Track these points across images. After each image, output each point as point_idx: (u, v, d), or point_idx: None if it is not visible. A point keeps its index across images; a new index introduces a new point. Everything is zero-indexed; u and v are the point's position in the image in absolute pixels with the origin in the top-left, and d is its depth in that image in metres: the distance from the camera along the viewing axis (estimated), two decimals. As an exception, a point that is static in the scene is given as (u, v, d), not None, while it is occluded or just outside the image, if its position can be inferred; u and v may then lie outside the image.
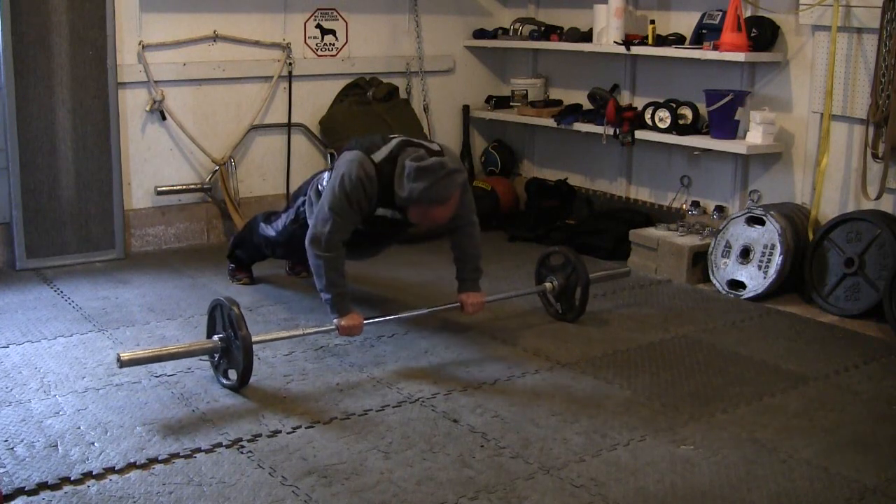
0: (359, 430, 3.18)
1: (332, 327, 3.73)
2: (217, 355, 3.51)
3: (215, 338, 3.48)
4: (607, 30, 5.54)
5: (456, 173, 3.62)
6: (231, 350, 3.44)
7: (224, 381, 3.50)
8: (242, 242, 4.72)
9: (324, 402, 3.40)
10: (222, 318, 3.48)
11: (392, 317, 4.01)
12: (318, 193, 3.90)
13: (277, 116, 5.81)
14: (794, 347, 4.06)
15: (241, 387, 3.45)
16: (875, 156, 4.47)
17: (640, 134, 5.41)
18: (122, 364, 3.24)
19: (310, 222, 3.87)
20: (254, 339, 3.42)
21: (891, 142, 4.36)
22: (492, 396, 3.48)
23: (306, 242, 3.73)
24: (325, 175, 3.94)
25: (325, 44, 5.91)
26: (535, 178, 6.31)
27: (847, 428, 3.27)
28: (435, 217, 3.70)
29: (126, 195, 5.30)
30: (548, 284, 4.31)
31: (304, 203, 4.08)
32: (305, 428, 3.19)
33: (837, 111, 4.69)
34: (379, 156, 3.69)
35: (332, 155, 5.89)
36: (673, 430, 3.21)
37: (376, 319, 3.89)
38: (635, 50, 5.41)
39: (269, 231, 4.39)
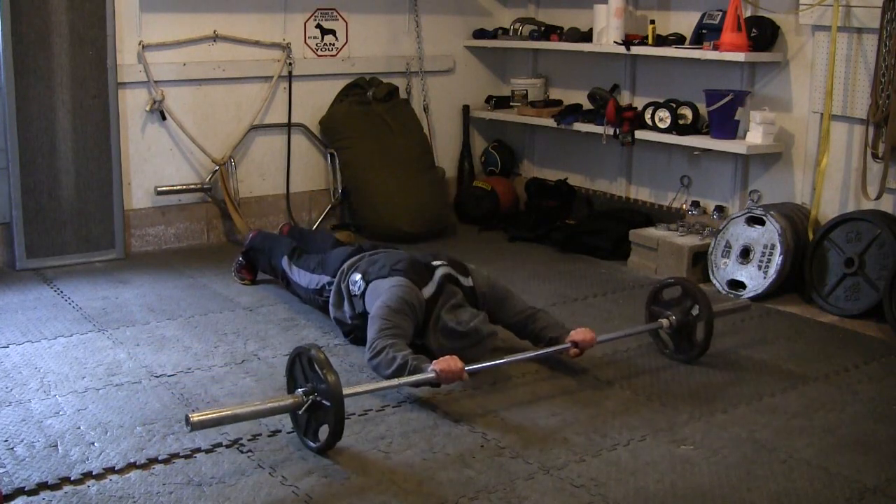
0: (359, 430, 3.18)
1: (431, 374, 3.27)
2: (301, 412, 2.99)
3: (299, 392, 2.98)
4: (607, 30, 5.54)
5: (487, 339, 3.57)
6: (319, 405, 2.95)
7: (312, 445, 3.00)
8: (259, 252, 4.73)
9: (324, 402, 3.39)
10: (305, 367, 3.01)
11: (494, 363, 3.51)
12: (349, 291, 3.87)
13: (277, 116, 5.81)
14: (794, 347, 4.06)
15: (330, 447, 2.98)
16: (875, 156, 4.47)
17: (640, 134, 5.41)
18: (193, 427, 2.78)
19: (332, 311, 4.00)
20: (345, 391, 2.95)
21: (891, 142, 4.37)
22: (492, 396, 3.48)
23: (368, 363, 3.51)
24: (358, 278, 3.83)
25: (325, 44, 5.91)
26: (535, 178, 6.32)
27: (847, 428, 3.27)
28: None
29: (126, 195, 5.30)
30: (664, 321, 3.82)
31: (331, 283, 4.06)
32: (305, 428, 3.19)
33: (837, 111, 4.69)
34: (427, 292, 3.67)
35: (332, 155, 5.90)
36: (673, 430, 3.21)
37: (478, 367, 3.42)
38: (635, 50, 5.41)
39: (292, 275, 4.39)
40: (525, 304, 3.90)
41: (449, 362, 3.28)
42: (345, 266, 4.02)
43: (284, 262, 4.46)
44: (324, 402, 2.91)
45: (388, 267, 3.79)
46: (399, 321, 3.55)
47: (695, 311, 3.78)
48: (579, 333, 3.64)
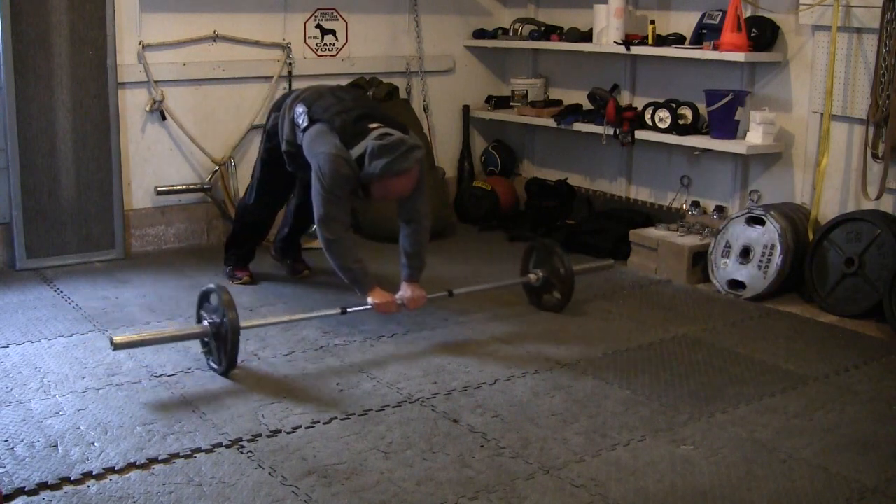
0: (359, 430, 3.18)
1: (368, 306, 3.94)
2: (207, 340, 3.67)
3: (205, 323, 3.63)
4: (607, 30, 5.54)
5: (416, 149, 3.87)
6: (220, 335, 3.57)
7: (214, 366, 3.65)
8: (234, 237, 4.86)
9: (324, 403, 3.40)
10: (212, 304, 3.66)
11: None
12: (293, 122, 4.13)
13: (277, 116, 5.81)
14: (794, 347, 4.06)
15: (227, 371, 3.60)
16: (875, 156, 4.47)
17: (640, 134, 5.41)
18: (116, 347, 3.45)
19: (281, 135, 4.23)
20: (242, 324, 3.57)
21: (891, 142, 4.36)
22: (492, 396, 3.48)
23: (317, 222, 3.93)
24: (301, 110, 4.08)
25: (325, 44, 5.91)
26: (535, 178, 6.32)
27: (847, 428, 3.27)
28: (396, 189, 3.92)
29: (126, 195, 5.30)
30: (532, 276, 4.46)
31: (273, 126, 4.35)
32: (305, 428, 3.19)
33: (837, 111, 4.69)
34: (356, 152, 3.88)
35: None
36: (673, 430, 3.21)
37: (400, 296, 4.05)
38: (635, 50, 5.41)
39: (247, 199, 4.71)
40: (418, 211, 4.04)
41: (383, 296, 3.92)
42: (288, 101, 4.26)
43: (240, 207, 4.82)
44: (225, 332, 3.52)
45: (330, 112, 4.00)
46: (335, 196, 3.87)
47: (559, 269, 4.39)
48: (408, 292, 4.03)
